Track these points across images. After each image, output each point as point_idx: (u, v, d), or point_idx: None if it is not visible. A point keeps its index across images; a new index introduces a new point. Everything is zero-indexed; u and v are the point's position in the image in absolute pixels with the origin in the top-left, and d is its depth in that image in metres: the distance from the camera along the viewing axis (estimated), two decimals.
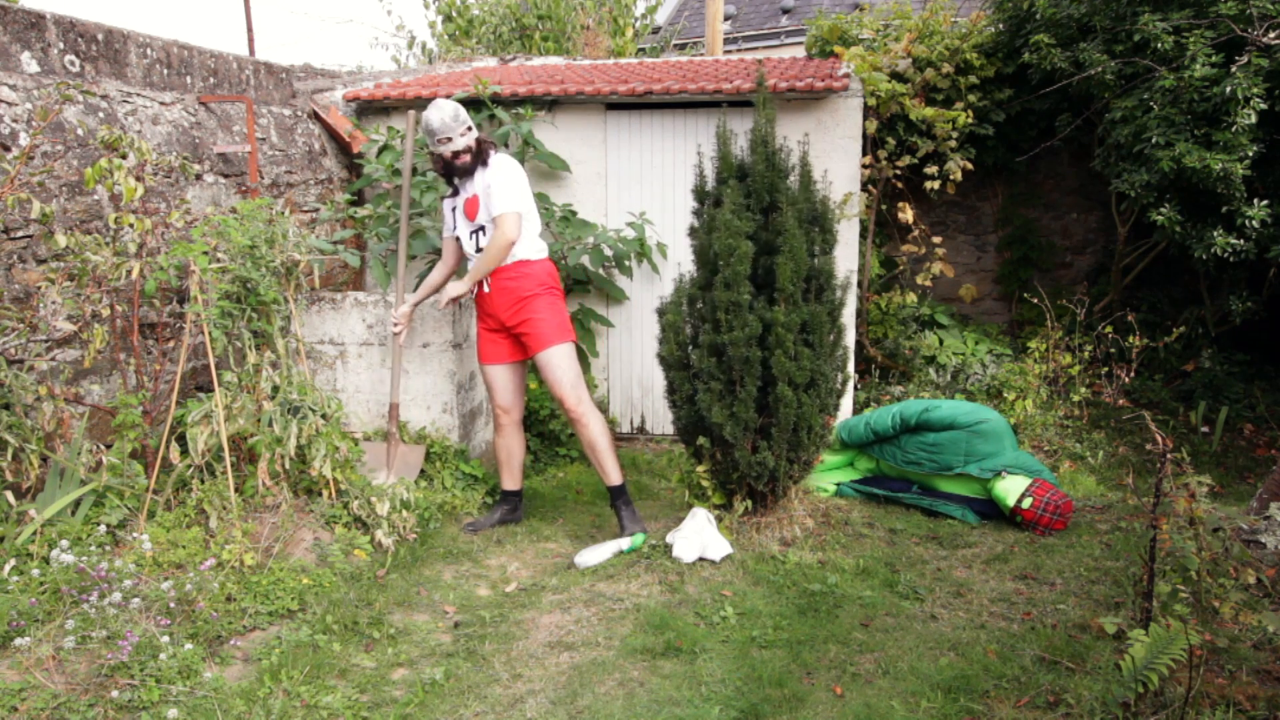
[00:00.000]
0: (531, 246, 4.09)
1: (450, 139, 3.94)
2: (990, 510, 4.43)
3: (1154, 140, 5.22)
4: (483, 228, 4.07)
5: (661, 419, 5.98)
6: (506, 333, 4.11)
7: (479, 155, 4.02)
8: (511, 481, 4.36)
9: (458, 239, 4.21)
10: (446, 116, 3.93)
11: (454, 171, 4.02)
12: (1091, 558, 3.95)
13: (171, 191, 4.50)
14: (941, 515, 4.46)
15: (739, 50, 11.67)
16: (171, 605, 3.05)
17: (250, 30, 9.34)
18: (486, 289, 4.05)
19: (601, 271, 5.73)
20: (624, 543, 3.91)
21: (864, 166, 6.14)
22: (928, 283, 6.70)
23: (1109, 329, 6.16)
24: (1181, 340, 6.38)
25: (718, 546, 3.86)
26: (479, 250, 4.09)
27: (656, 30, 13.33)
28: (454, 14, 11.38)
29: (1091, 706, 2.61)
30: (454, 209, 4.18)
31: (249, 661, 3.01)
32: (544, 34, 10.77)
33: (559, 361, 4.05)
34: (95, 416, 3.88)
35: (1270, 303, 6.06)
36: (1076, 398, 5.82)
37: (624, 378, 6.00)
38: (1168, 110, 5.22)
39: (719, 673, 2.96)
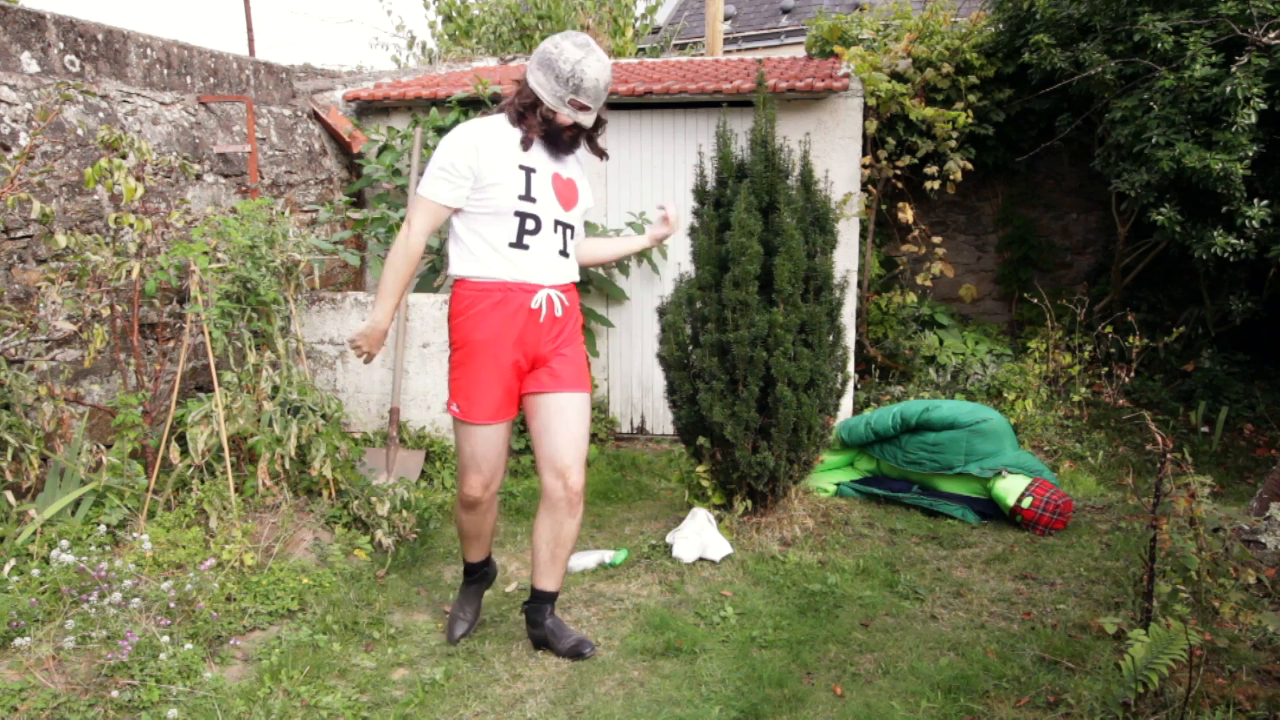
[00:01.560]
0: None
1: (589, 108, 2.86)
2: (990, 510, 4.44)
3: (1154, 140, 5.22)
4: (572, 227, 2.99)
5: (661, 419, 5.98)
6: (519, 373, 2.95)
7: (582, 140, 2.98)
8: (479, 551, 3.23)
9: (525, 218, 2.85)
10: (603, 82, 2.83)
11: (554, 141, 2.89)
12: (1091, 558, 3.95)
13: (171, 191, 4.50)
14: (941, 515, 4.46)
15: (739, 50, 11.67)
16: (171, 605, 3.05)
17: (250, 30, 9.33)
18: (559, 311, 2.93)
19: (601, 271, 5.73)
20: (607, 555, 3.91)
21: (864, 166, 6.14)
22: (928, 283, 6.70)
23: (1109, 329, 6.15)
24: (1181, 340, 6.38)
25: (718, 546, 3.86)
26: (564, 254, 2.94)
27: (656, 30, 13.32)
28: (454, 14, 11.38)
29: (1091, 706, 2.61)
30: (530, 172, 2.86)
31: (249, 661, 3.01)
32: (544, 34, 10.76)
33: (587, 413, 3.01)
34: (95, 416, 3.88)
35: (1270, 303, 6.05)
36: (1076, 398, 5.82)
37: (624, 378, 6.00)
38: (1168, 110, 5.22)
39: (719, 673, 2.96)
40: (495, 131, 2.86)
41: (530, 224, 2.85)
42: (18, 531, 3.25)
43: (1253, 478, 5.19)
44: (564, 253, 2.94)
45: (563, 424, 2.92)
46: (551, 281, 2.90)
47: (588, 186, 3.07)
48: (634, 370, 5.98)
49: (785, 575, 3.70)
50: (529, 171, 2.85)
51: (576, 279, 3.06)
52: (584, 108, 2.84)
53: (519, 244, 2.84)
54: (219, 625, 3.09)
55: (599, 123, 2.97)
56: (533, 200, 2.84)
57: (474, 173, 2.79)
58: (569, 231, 2.96)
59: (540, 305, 2.88)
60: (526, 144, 2.85)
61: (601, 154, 3.08)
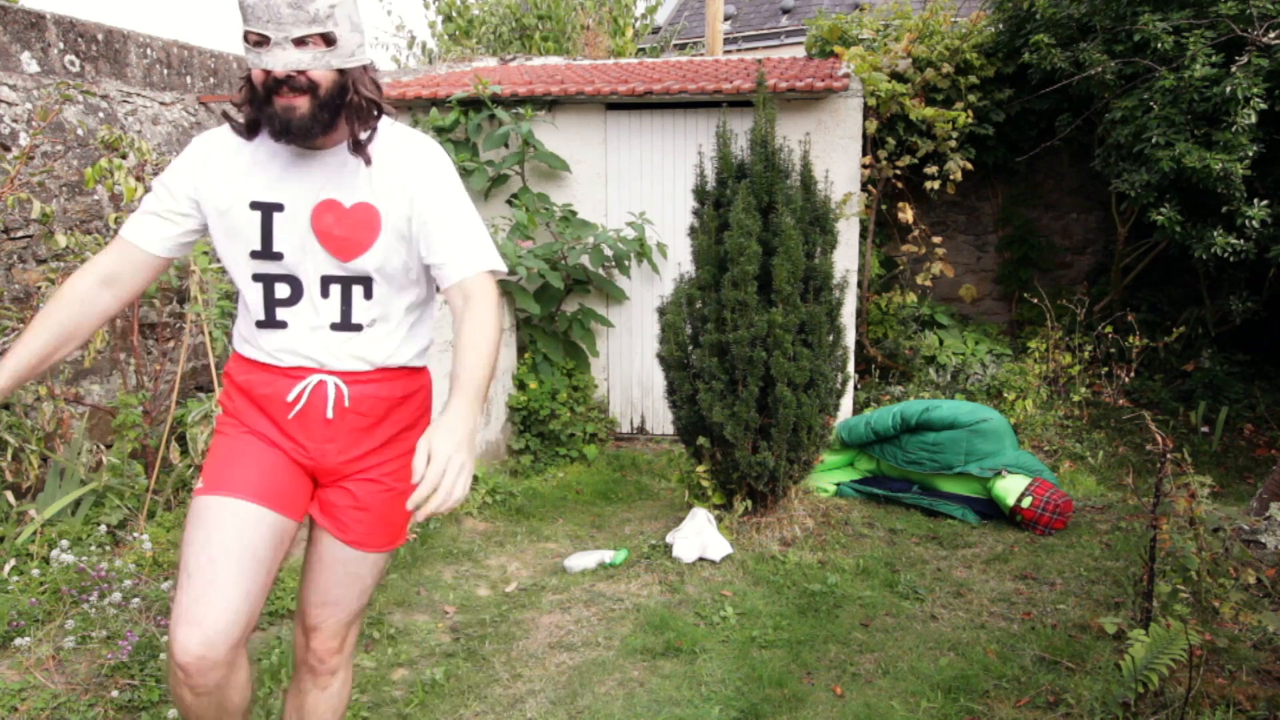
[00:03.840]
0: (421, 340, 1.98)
1: (267, 39, 1.67)
2: (990, 510, 4.44)
3: (1154, 140, 5.22)
4: (367, 280, 1.82)
5: (661, 419, 5.98)
6: (300, 467, 1.90)
7: (344, 109, 1.74)
8: None
9: (271, 282, 1.81)
10: None
11: (279, 127, 1.71)
12: (1091, 558, 3.95)
13: None
14: (941, 515, 4.46)
15: (739, 50, 11.67)
16: (171, 605, 3.05)
17: None
18: (332, 408, 1.84)
19: (601, 271, 5.73)
20: (607, 555, 3.92)
21: (864, 166, 6.14)
22: (928, 283, 6.71)
23: (1109, 329, 6.16)
24: (1181, 340, 6.38)
25: (718, 546, 3.86)
26: (349, 326, 1.83)
27: (656, 30, 13.33)
28: (454, 14, 11.38)
29: (1091, 706, 2.61)
30: (270, 211, 1.78)
31: (249, 661, 3.00)
32: (544, 34, 10.77)
33: (371, 573, 2.02)
34: (95, 416, 3.88)
35: (1270, 303, 6.06)
36: (1076, 398, 5.82)
37: (624, 378, 6.00)
38: (1168, 110, 5.22)
39: (719, 673, 2.96)
40: (224, 145, 1.81)
41: (282, 290, 1.79)
42: (18, 531, 3.25)
43: (1253, 478, 5.19)
44: (349, 324, 1.81)
45: (326, 578, 1.97)
46: (330, 365, 1.82)
47: (406, 208, 1.78)
48: (634, 370, 5.98)
49: (785, 575, 3.70)
50: (268, 211, 1.75)
51: (401, 361, 1.88)
52: (261, 40, 1.65)
53: (269, 321, 1.81)
54: None
55: (358, 94, 1.73)
56: (275, 256, 1.76)
57: (194, 202, 1.79)
58: (360, 290, 1.80)
59: (301, 395, 1.81)
60: (249, 131, 1.77)
61: (357, 144, 1.75)
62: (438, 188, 1.81)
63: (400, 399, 1.91)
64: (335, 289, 1.81)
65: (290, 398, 1.82)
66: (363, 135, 1.77)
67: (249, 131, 1.77)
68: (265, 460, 1.85)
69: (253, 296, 1.81)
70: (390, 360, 1.88)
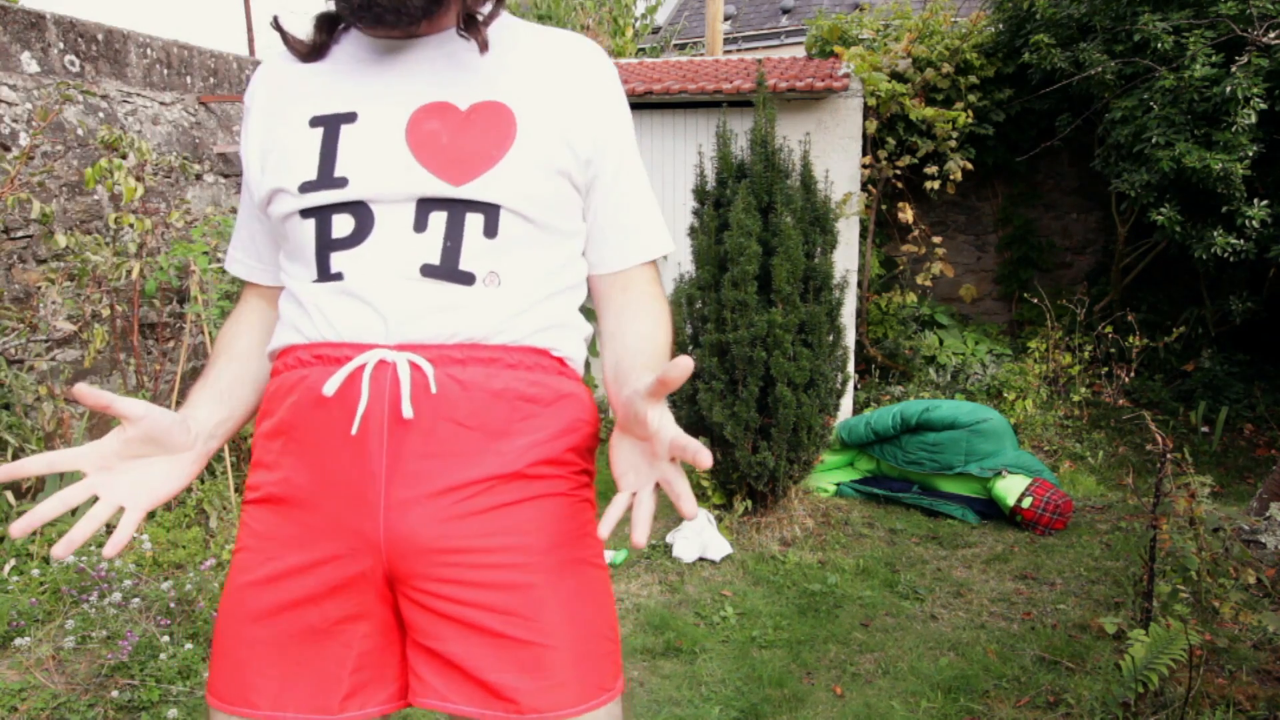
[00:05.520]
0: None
1: None
2: (990, 510, 4.44)
3: (1154, 140, 5.22)
4: (493, 208, 1.07)
5: None
6: (363, 609, 1.07)
7: None
8: None
9: (327, 217, 1.08)
10: None
11: (368, 6, 1.03)
12: (1091, 558, 3.95)
13: (171, 191, 4.51)
14: (941, 515, 4.46)
15: (739, 50, 11.68)
16: (171, 605, 3.05)
17: (250, 30, 9.33)
18: (406, 409, 1.02)
19: None
20: (607, 555, 3.92)
21: (864, 166, 6.14)
22: (928, 283, 6.71)
23: (1109, 329, 6.16)
24: (1181, 340, 6.39)
25: (718, 546, 3.87)
26: (449, 271, 1.06)
27: (656, 30, 13.33)
28: None
29: (1091, 706, 2.61)
30: (335, 123, 1.09)
31: None
32: None
33: None
34: (95, 416, 3.89)
35: (1270, 303, 6.06)
36: (1076, 398, 5.82)
37: None
38: (1168, 110, 5.22)
39: (719, 673, 2.96)
40: (275, 66, 1.20)
41: (342, 224, 1.08)
42: None
43: (1253, 478, 5.19)
44: (453, 271, 1.06)
45: None
46: (404, 334, 1.05)
47: (574, 129, 1.12)
48: None
49: (785, 575, 3.71)
50: (333, 125, 1.10)
51: (523, 336, 1.11)
52: None
53: (325, 273, 1.09)
54: None
55: None
56: (336, 183, 1.07)
57: (249, 171, 1.17)
58: (479, 221, 1.07)
59: (355, 389, 1.04)
60: (313, 51, 1.15)
61: (470, 21, 1.10)
62: (621, 127, 1.19)
63: (533, 400, 1.14)
64: (438, 219, 1.07)
65: (329, 390, 1.04)
66: (482, 9, 1.13)
67: (312, 50, 1.15)
68: (289, 613, 1.07)
69: (300, 242, 1.11)
70: (507, 333, 1.09)
